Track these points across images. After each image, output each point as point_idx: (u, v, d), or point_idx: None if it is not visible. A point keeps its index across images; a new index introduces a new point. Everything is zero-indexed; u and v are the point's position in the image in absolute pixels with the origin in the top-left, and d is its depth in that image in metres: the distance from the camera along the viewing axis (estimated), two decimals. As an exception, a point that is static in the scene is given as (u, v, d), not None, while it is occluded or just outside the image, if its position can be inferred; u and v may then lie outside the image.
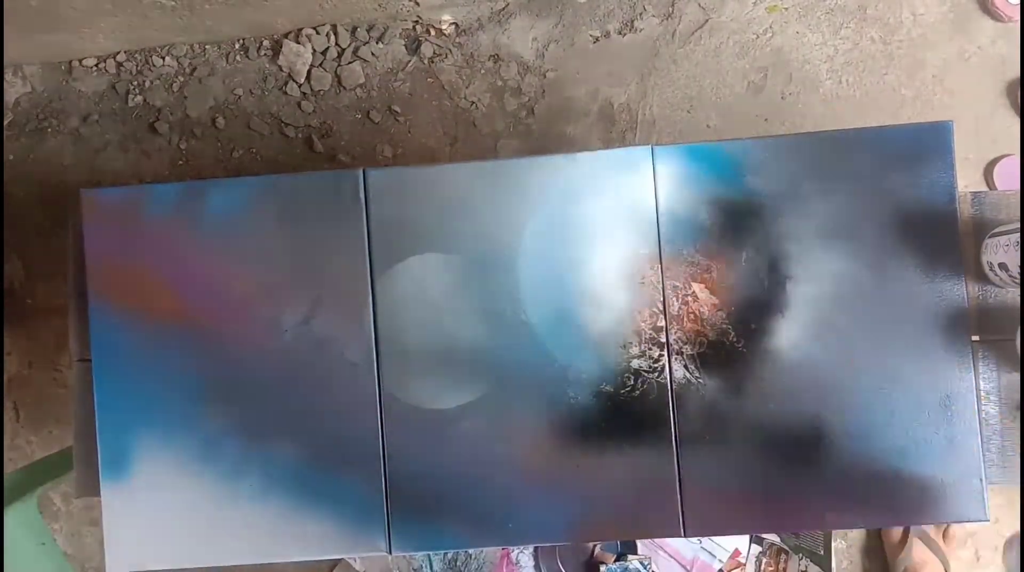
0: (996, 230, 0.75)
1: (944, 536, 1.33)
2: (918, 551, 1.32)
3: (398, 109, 1.48)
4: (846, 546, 1.43)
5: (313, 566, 1.45)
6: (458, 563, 1.39)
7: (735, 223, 0.76)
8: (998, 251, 0.73)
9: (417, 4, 1.42)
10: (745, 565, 1.37)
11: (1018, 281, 0.72)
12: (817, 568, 1.35)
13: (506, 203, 0.78)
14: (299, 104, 1.48)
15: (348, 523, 0.76)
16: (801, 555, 1.37)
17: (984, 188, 1.45)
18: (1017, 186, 1.41)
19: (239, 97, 1.49)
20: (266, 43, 1.49)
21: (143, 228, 0.79)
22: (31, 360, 1.50)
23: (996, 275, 0.74)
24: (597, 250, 0.77)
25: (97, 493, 0.79)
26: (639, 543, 1.37)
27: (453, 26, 1.48)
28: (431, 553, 1.40)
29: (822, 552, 1.35)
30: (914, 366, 0.75)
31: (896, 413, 0.75)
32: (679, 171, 0.77)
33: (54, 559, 1.09)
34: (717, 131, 1.46)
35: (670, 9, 1.48)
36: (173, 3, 1.30)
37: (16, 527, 1.02)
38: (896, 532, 1.34)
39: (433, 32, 1.49)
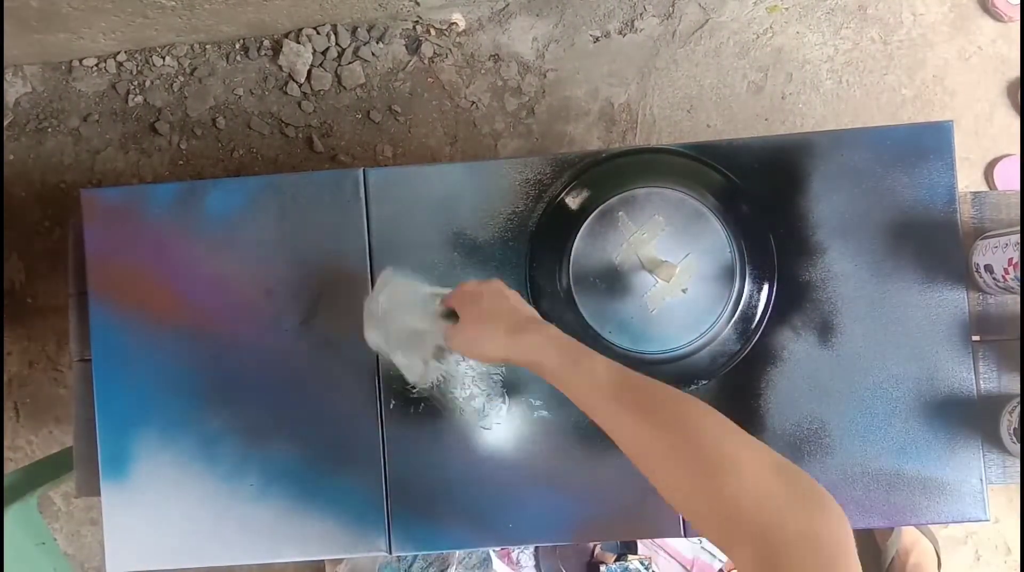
0: (987, 233, 0.75)
1: None
2: (908, 533, 1.31)
3: (398, 109, 1.47)
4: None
5: (313, 566, 1.45)
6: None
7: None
8: (985, 253, 0.73)
9: (417, 4, 1.42)
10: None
11: (1001, 284, 0.72)
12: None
13: (506, 202, 0.78)
14: (299, 104, 1.48)
15: (348, 523, 0.76)
16: (801, 555, 1.37)
17: (984, 188, 1.45)
18: (1017, 186, 1.41)
19: (239, 97, 1.49)
20: (266, 43, 1.49)
21: (143, 228, 0.79)
22: (31, 360, 1.50)
23: (981, 278, 0.74)
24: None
25: (97, 493, 0.79)
26: (639, 543, 1.37)
27: (456, 24, 1.48)
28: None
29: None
30: (914, 366, 0.75)
31: (896, 413, 0.75)
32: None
33: (53, 559, 1.09)
34: (717, 131, 1.46)
35: (670, 9, 1.48)
36: (173, 3, 1.30)
37: (16, 527, 1.02)
38: None
39: (433, 32, 1.49)
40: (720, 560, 1.37)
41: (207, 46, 1.50)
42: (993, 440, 0.76)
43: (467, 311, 0.63)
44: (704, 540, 1.36)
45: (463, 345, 0.63)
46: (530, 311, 0.64)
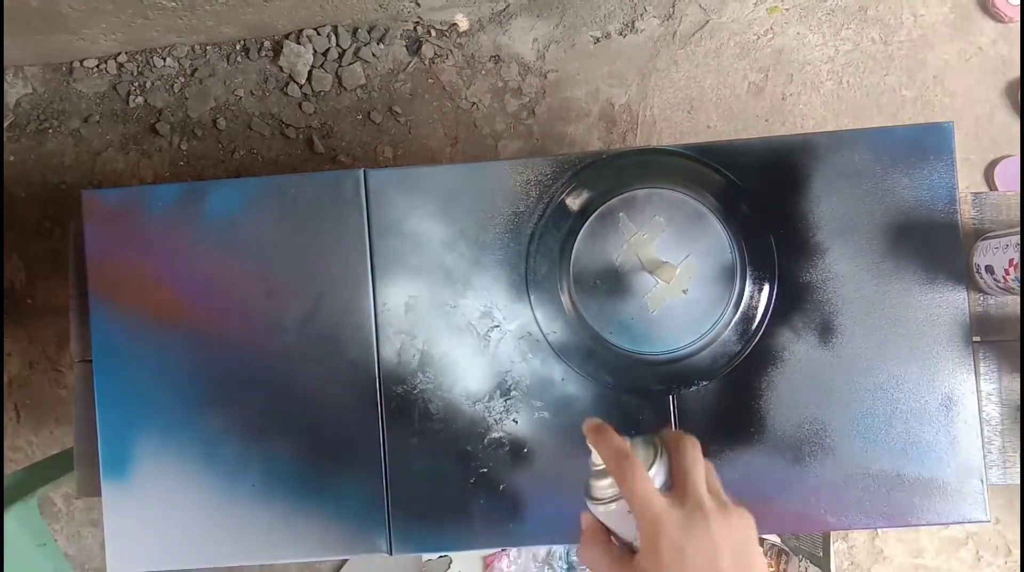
0: (988, 234, 0.75)
1: None
2: None
3: (399, 110, 1.48)
4: (847, 547, 1.43)
5: (314, 566, 1.45)
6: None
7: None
8: (986, 254, 0.73)
9: (418, 5, 1.42)
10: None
11: (1002, 285, 0.72)
12: (817, 569, 1.35)
13: (507, 203, 0.78)
14: (300, 105, 1.48)
15: (349, 523, 0.76)
16: (801, 556, 1.37)
17: (985, 189, 1.45)
18: (1017, 187, 1.41)
19: (240, 98, 1.49)
20: (267, 44, 1.49)
21: (144, 229, 0.79)
22: (32, 361, 1.50)
23: (982, 278, 0.74)
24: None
25: (98, 493, 0.79)
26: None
27: (458, 25, 1.48)
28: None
29: (821, 553, 1.35)
30: (915, 367, 0.75)
31: (897, 414, 0.75)
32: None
33: (54, 560, 1.09)
34: (717, 132, 1.46)
35: (671, 10, 1.49)
36: (174, 4, 1.30)
37: (16, 527, 1.02)
38: None
39: (434, 33, 1.49)
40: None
41: (208, 47, 1.50)
42: (995, 436, 0.76)
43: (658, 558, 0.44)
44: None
45: None
46: None
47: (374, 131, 1.48)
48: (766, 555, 1.38)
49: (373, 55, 1.48)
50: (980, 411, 0.75)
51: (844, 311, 0.76)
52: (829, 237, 0.76)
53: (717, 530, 0.45)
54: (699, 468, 0.48)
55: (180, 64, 1.50)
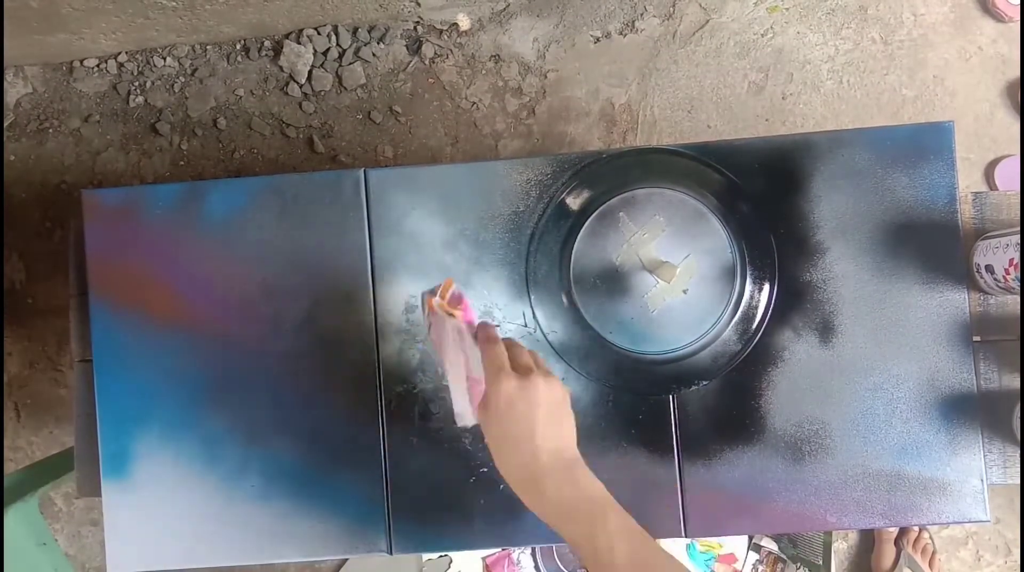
0: (988, 234, 0.75)
1: (914, 545, 1.34)
2: None
3: (399, 109, 1.48)
4: (847, 546, 1.43)
5: (314, 566, 1.45)
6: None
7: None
8: (986, 253, 0.73)
9: (418, 5, 1.42)
10: (740, 571, 1.37)
11: (1002, 285, 0.72)
12: (816, 574, 1.35)
13: (507, 203, 0.78)
14: (300, 104, 1.48)
15: (349, 523, 0.76)
16: (799, 564, 1.37)
17: (985, 188, 1.45)
18: (1017, 186, 1.41)
19: (240, 98, 1.49)
20: (267, 44, 1.49)
21: (144, 228, 0.79)
22: (32, 360, 1.50)
23: (982, 278, 0.74)
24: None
25: (98, 493, 0.79)
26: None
27: (459, 24, 1.48)
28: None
29: (820, 561, 1.34)
30: (915, 366, 0.75)
31: (897, 413, 0.75)
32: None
33: (54, 559, 1.09)
34: (718, 131, 1.46)
35: (671, 9, 1.48)
36: (174, 4, 1.30)
37: (17, 527, 1.02)
38: (887, 559, 1.35)
39: (434, 33, 1.49)
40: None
41: (208, 47, 1.50)
42: (996, 435, 0.76)
43: (499, 408, 0.58)
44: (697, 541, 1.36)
45: (492, 445, 0.59)
46: (573, 448, 0.60)
47: (374, 131, 1.48)
48: (763, 563, 1.38)
49: (373, 55, 1.48)
50: (980, 411, 0.75)
51: (844, 311, 0.76)
52: (829, 237, 0.76)
53: (533, 392, 0.58)
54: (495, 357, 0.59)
55: (180, 64, 1.50)
